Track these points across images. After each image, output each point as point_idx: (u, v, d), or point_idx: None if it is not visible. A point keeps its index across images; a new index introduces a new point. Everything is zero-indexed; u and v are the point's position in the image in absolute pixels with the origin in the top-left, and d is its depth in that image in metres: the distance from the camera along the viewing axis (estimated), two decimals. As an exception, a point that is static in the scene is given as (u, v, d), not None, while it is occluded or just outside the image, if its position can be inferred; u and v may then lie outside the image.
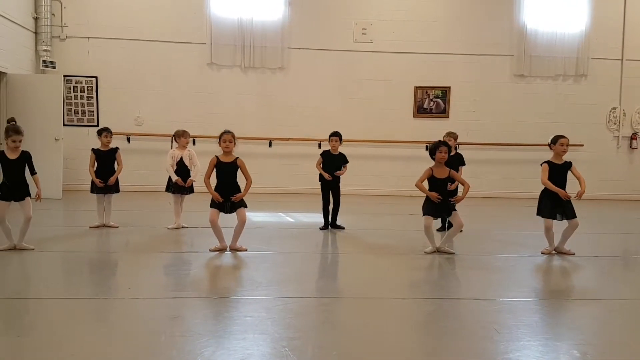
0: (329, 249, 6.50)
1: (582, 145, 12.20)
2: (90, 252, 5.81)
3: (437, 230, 6.84)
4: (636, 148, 12.73)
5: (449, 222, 7.01)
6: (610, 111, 12.65)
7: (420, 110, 12.34)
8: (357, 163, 11.22)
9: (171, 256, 5.55)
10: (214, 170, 5.60)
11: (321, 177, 7.30)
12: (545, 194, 5.83)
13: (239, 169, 5.64)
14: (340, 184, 7.39)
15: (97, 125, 11.18)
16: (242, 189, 5.66)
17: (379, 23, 12.17)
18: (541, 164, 5.88)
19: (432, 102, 12.35)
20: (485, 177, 11.91)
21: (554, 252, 5.93)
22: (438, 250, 5.84)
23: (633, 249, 6.85)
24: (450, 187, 6.01)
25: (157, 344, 3.06)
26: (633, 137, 12.70)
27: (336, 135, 7.32)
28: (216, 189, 5.57)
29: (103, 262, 5.40)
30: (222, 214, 5.58)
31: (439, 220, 6.70)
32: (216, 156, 5.64)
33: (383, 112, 12.14)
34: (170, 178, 7.01)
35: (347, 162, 7.36)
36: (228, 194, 5.54)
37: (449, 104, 12.35)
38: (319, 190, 7.42)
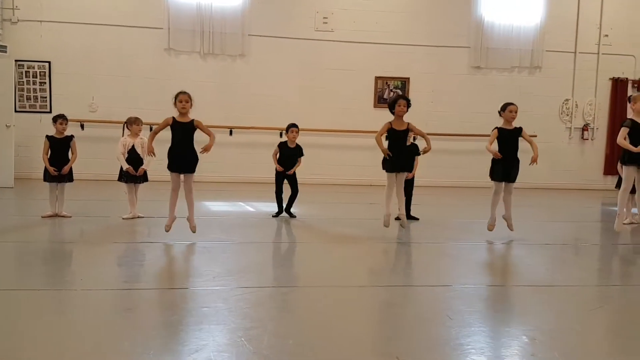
0: (288, 238, 6.50)
1: (536, 136, 12.48)
2: (42, 242, 5.65)
3: (396, 219, 6.93)
4: (587, 139, 13.18)
5: (412, 216, 7.17)
6: (563, 103, 13.04)
7: (380, 101, 12.44)
8: (317, 152, 11.27)
9: (125, 247, 5.44)
10: (169, 131, 5.43)
11: (277, 170, 7.29)
12: (497, 160, 6.04)
13: (197, 129, 5.49)
14: (298, 175, 7.40)
15: (50, 112, 10.84)
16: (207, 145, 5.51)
17: (340, 12, 12.17)
18: (492, 130, 6.09)
19: (392, 92, 12.46)
20: (443, 167, 12.13)
21: (494, 224, 6.17)
22: (397, 219, 6.15)
23: (583, 237, 7.11)
24: (408, 176, 6.13)
25: (110, 336, 3.01)
26: (584, 129, 13.14)
27: (295, 126, 7.32)
28: (171, 150, 5.45)
29: (55, 252, 5.26)
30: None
31: (396, 210, 6.77)
32: (173, 117, 5.49)
33: (344, 102, 12.18)
34: (122, 167, 6.87)
35: (302, 155, 7.37)
36: (184, 155, 5.42)
37: (409, 94, 12.47)
38: (274, 187, 7.40)
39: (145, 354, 2.76)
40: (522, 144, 6.10)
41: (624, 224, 6.73)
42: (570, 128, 13.12)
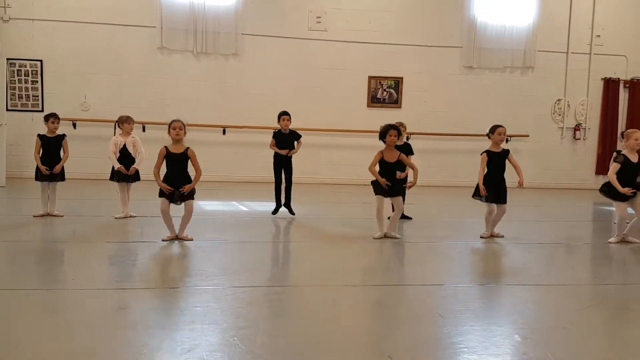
0: (282, 237, 6.50)
1: (528, 136, 12.61)
2: (34, 242, 5.61)
3: (389, 218, 6.94)
4: (579, 139, 13.25)
5: (405, 215, 7.17)
6: (555, 103, 13.11)
7: (373, 100, 12.46)
8: (311, 151, 11.26)
9: (118, 246, 5.42)
10: (164, 161, 5.47)
11: (275, 157, 7.30)
12: (485, 181, 6.08)
13: (190, 160, 5.52)
14: (294, 170, 7.41)
15: (42, 111, 10.78)
16: (193, 179, 5.55)
17: (334, 11, 12.17)
18: (481, 154, 6.13)
19: (385, 92, 12.48)
20: (436, 167, 12.17)
21: (489, 236, 6.23)
22: (385, 236, 5.99)
23: (575, 236, 7.14)
24: (400, 175, 6.13)
25: (102, 336, 3.00)
26: (577, 128, 13.21)
27: (286, 114, 7.35)
28: (165, 179, 5.44)
29: (47, 252, 5.23)
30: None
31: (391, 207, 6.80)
32: (165, 147, 5.48)
33: (337, 101, 12.18)
34: (113, 166, 6.84)
35: (299, 137, 7.40)
36: (178, 184, 5.42)
37: (402, 94, 12.51)
38: (274, 179, 7.40)
39: (138, 353, 2.75)
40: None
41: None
42: (563, 128, 13.19)
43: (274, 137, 7.39)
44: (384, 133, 5.95)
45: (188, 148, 5.51)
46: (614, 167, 6.09)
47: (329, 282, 4.34)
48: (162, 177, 5.44)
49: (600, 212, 9.35)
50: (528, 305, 3.86)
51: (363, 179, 11.52)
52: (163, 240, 5.47)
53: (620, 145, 6.37)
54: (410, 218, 7.32)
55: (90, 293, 3.80)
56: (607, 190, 6.17)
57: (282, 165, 7.33)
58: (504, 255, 5.66)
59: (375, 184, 6.00)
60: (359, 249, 5.66)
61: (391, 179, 5.92)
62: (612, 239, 6.19)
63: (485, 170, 6.10)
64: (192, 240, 5.53)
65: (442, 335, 3.18)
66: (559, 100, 13.11)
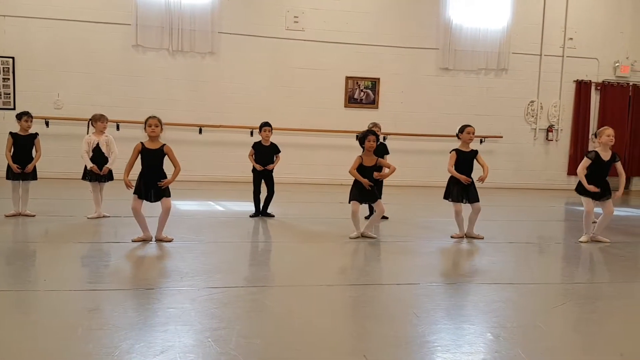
0: (258, 237, 6.48)
1: (502, 137, 12.80)
2: (5, 242, 5.49)
3: (366, 217, 6.98)
4: (552, 140, 13.49)
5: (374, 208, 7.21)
6: (529, 104, 13.33)
7: (351, 101, 12.50)
8: (288, 151, 11.20)
9: (90, 247, 5.33)
10: (139, 157, 5.40)
11: (254, 168, 7.27)
12: (452, 180, 6.23)
13: (166, 156, 5.45)
14: (274, 174, 7.39)
15: (14, 109, 10.57)
16: (171, 175, 5.47)
17: (311, 12, 12.18)
18: (450, 152, 6.20)
19: (362, 92, 12.53)
20: (412, 167, 12.27)
21: (464, 236, 6.32)
22: (362, 235, 6.04)
23: (546, 236, 7.27)
24: (376, 175, 6.18)
25: (73, 337, 2.95)
26: (549, 130, 13.45)
27: (268, 125, 7.31)
28: (141, 176, 5.38)
29: (18, 252, 5.12)
30: (145, 202, 5.42)
31: (367, 208, 6.85)
32: (141, 142, 5.43)
33: (315, 101, 12.20)
34: (86, 165, 6.74)
35: (279, 152, 7.36)
36: (153, 181, 5.36)
37: (379, 95, 12.59)
38: (251, 179, 7.38)
39: (110, 355, 2.71)
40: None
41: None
42: (535, 129, 13.41)
43: (253, 147, 7.35)
44: (362, 139, 6.03)
45: (164, 144, 5.45)
46: (583, 162, 6.21)
47: (305, 282, 4.34)
48: (137, 175, 5.37)
49: (571, 212, 9.53)
50: (500, 304, 3.92)
51: (340, 179, 11.57)
52: (133, 241, 5.40)
53: (592, 146, 6.50)
54: (386, 217, 7.37)
55: (62, 294, 3.74)
56: (577, 185, 6.31)
57: (263, 177, 7.30)
58: (478, 255, 5.73)
59: (352, 190, 6.05)
60: (335, 249, 5.67)
61: (371, 185, 6.00)
62: (582, 238, 6.32)
63: (453, 166, 6.19)
64: (171, 240, 5.47)
65: (416, 334, 3.21)
66: (532, 102, 13.34)
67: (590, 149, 6.80)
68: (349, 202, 6.07)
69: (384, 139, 7.43)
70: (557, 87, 13.39)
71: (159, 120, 5.45)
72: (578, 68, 13.37)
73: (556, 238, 7.08)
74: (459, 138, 6.31)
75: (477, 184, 6.21)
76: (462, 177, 6.11)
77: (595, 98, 13.61)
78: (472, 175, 6.25)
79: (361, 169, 5.99)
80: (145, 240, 5.44)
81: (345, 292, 4.18)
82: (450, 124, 12.43)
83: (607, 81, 13.60)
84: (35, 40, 11.12)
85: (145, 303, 3.63)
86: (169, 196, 5.49)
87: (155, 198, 5.40)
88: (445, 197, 6.31)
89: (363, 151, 6.05)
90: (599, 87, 13.58)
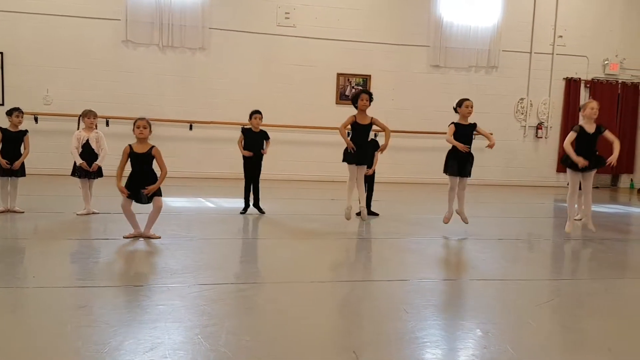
0: (250, 234, 6.48)
1: (492, 134, 12.81)
2: (-8, 239, 5.45)
3: (357, 214, 7.00)
4: (541, 137, 13.58)
5: (372, 212, 7.25)
6: (518, 102, 13.41)
7: (342, 97, 12.51)
8: (279, 148, 11.25)
9: (80, 243, 5.31)
10: (128, 159, 5.36)
11: (245, 157, 7.27)
12: (451, 154, 6.22)
13: (154, 159, 5.42)
14: (263, 165, 7.38)
15: (3, 104, 10.49)
16: (158, 179, 5.45)
17: (302, 8, 12.17)
18: (448, 125, 6.22)
19: (353, 89, 12.54)
20: (402, 164, 12.31)
21: (450, 217, 6.39)
22: (357, 215, 6.30)
23: (536, 232, 7.32)
24: (378, 152, 6.24)
25: (62, 334, 2.93)
26: (539, 127, 13.54)
27: (259, 112, 7.32)
28: (130, 179, 5.35)
29: (7, 249, 5.08)
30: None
31: (357, 206, 6.86)
32: (129, 145, 5.37)
33: (306, 98, 12.19)
34: (75, 161, 6.70)
35: (268, 138, 7.37)
36: (143, 184, 5.32)
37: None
38: (241, 175, 7.37)
39: (99, 352, 2.70)
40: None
41: (575, 219, 6.96)
42: (525, 126, 13.50)
43: (242, 133, 7.34)
44: (355, 98, 6.09)
45: (153, 147, 5.40)
46: (569, 135, 6.28)
47: (295, 279, 4.35)
48: (127, 176, 5.34)
49: (560, 209, 9.59)
50: (490, 300, 3.94)
51: (331, 175, 11.59)
52: (125, 238, 5.38)
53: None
54: (377, 214, 7.39)
55: (51, 291, 3.72)
56: (564, 158, 6.35)
57: (252, 163, 7.28)
58: (467, 251, 5.76)
59: (345, 151, 6.12)
60: (325, 246, 5.68)
61: (363, 142, 6.04)
62: (567, 227, 6.37)
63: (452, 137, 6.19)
64: (159, 238, 5.45)
65: (406, 330, 3.22)
66: (522, 99, 13.41)
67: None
68: (347, 165, 6.20)
69: (375, 135, 7.44)
70: (546, 85, 13.48)
71: (148, 122, 5.39)
72: (568, 66, 13.47)
73: (545, 235, 7.13)
74: (456, 112, 6.30)
75: (490, 156, 6.20)
76: (460, 145, 6.07)
77: (584, 95, 13.71)
78: (473, 151, 6.25)
79: (355, 127, 6.06)
80: (136, 237, 5.42)
81: (335, 288, 4.19)
82: (441, 121, 12.48)
83: (596, 79, 13.70)
84: (25, 35, 11.03)
85: (135, 300, 3.62)
86: (161, 195, 5.46)
87: (147, 200, 5.38)
88: (445, 171, 6.29)
89: (357, 112, 6.12)
90: (588, 85, 13.68)
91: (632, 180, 14.15)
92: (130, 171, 5.40)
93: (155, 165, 5.45)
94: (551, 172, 13.59)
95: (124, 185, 5.33)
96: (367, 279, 4.50)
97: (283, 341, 3.01)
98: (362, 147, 6.12)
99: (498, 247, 5.97)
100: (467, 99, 6.24)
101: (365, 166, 6.40)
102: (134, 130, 5.37)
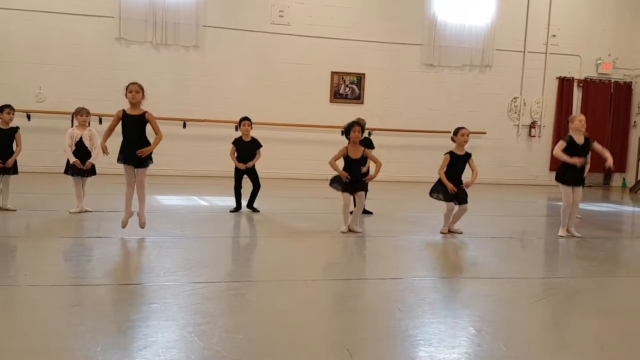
0: (244, 232, 6.47)
1: (485, 133, 12.90)
2: (-16, 237, 5.42)
3: (350, 212, 7.01)
4: (534, 136, 13.64)
5: (366, 210, 7.24)
6: (512, 101, 13.45)
7: (336, 96, 12.51)
8: (273, 146, 11.20)
9: (73, 241, 5.28)
10: (120, 123, 5.24)
11: (236, 166, 7.22)
12: (441, 182, 6.19)
13: (148, 124, 5.30)
14: (257, 168, 7.35)
15: (-7, 101, 10.40)
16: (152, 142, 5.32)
17: (297, 6, 12.15)
18: (444, 154, 6.21)
19: (347, 87, 12.55)
20: (396, 162, 12.31)
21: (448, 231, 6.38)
22: (349, 230, 6.07)
23: (528, 231, 7.35)
24: (362, 169, 6.20)
25: (55, 333, 2.92)
26: (532, 126, 13.59)
27: (247, 119, 7.26)
28: (123, 144, 5.26)
29: (-2, 248, 5.06)
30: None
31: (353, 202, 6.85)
32: (123, 109, 5.30)
33: (300, 96, 12.18)
34: (68, 159, 6.67)
35: (260, 147, 7.30)
36: (135, 149, 5.21)
37: (364, 90, 12.61)
38: (233, 183, 7.31)
39: (92, 350, 2.69)
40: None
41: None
42: (519, 125, 13.55)
43: (234, 144, 7.26)
44: (348, 130, 6.05)
45: (146, 112, 5.30)
46: (559, 144, 6.34)
47: (289, 277, 4.34)
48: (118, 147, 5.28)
49: (553, 208, 9.64)
50: (483, 298, 3.96)
51: (325, 174, 11.55)
52: (123, 227, 5.36)
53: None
54: (371, 213, 7.39)
55: (44, 289, 3.70)
56: (557, 172, 6.40)
57: (245, 172, 7.24)
58: (461, 250, 5.78)
59: (335, 178, 6.06)
60: (319, 244, 5.68)
61: (355, 174, 6.01)
62: (560, 232, 6.41)
63: (445, 169, 6.20)
64: (142, 227, 5.41)
65: (400, 328, 3.23)
66: (515, 98, 13.46)
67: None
68: (330, 185, 6.13)
69: (369, 134, 7.45)
70: (540, 84, 13.53)
71: (140, 86, 5.30)
72: (561, 65, 13.52)
73: (538, 233, 7.16)
74: (453, 141, 6.31)
75: (483, 155, 6.22)
76: (450, 186, 6.08)
77: (577, 95, 13.78)
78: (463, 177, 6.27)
79: (347, 160, 6.02)
80: (128, 218, 5.39)
81: (329, 287, 4.19)
82: (435, 119, 12.55)
83: (589, 78, 13.77)
84: (16, 32, 10.95)
85: (128, 298, 3.60)
86: (146, 166, 5.34)
87: (139, 164, 5.29)
88: (431, 194, 6.30)
89: (349, 143, 6.06)
90: (581, 84, 13.74)
91: (624, 179, 14.24)
92: (122, 139, 5.28)
93: (149, 134, 5.36)
94: (544, 170, 13.64)
95: (118, 154, 5.26)
96: (361, 277, 4.50)
97: (276, 339, 3.01)
98: (355, 178, 6.04)
99: (491, 245, 6.00)
100: (463, 128, 6.24)
101: (363, 192, 6.31)
102: (126, 95, 5.27)
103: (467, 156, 6.25)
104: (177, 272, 4.23)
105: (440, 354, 2.86)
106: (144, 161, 5.30)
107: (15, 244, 5.24)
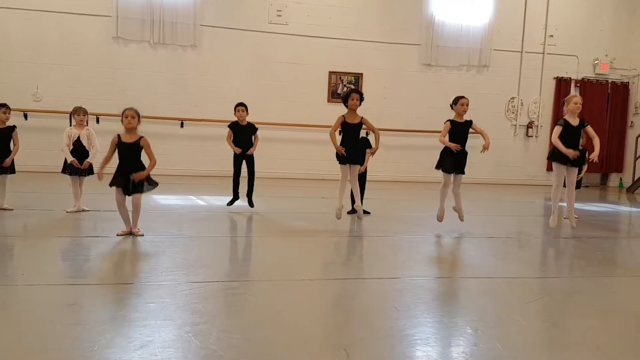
0: (241, 232, 6.47)
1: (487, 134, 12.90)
2: (-20, 236, 5.40)
3: (348, 213, 7.02)
4: (532, 136, 13.66)
5: (364, 210, 7.26)
6: (509, 101, 13.47)
7: (334, 96, 12.52)
8: (270, 146, 11.22)
9: (70, 241, 5.28)
10: (116, 150, 5.32)
11: (234, 152, 7.25)
12: (446, 151, 6.22)
13: (143, 149, 5.35)
14: (255, 157, 7.35)
15: (-10, 100, 10.38)
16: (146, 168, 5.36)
17: (294, 5, 12.15)
18: (444, 122, 6.23)
19: (345, 87, 12.55)
20: (395, 162, 12.33)
21: (443, 216, 6.40)
22: (352, 211, 6.31)
23: (526, 231, 7.36)
24: (369, 153, 6.27)
25: (52, 332, 2.92)
26: (529, 126, 13.62)
27: (242, 105, 7.29)
28: (118, 170, 5.31)
29: (-6, 247, 5.05)
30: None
31: (350, 203, 6.85)
32: (118, 135, 5.34)
33: (298, 96, 12.19)
34: (66, 159, 6.66)
35: (256, 130, 7.34)
36: (131, 174, 5.28)
37: (362, 90, 12.59)
38: (232, 174, 7.34)
39: (89, 350, 2.69)
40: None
41: (564, 218, 7.02)
42: (516, 125, 13.57)
43: (230, 128, 7.30)
44: (346, 97, 6.13)
45: (142, 137, 5.35)
46: (556, 130, 6.37)
47: (286, 277, 4.34)
48: (115, 168, 5.30)
49: (550, 208, 9.64)
50: (479, 297, 3.96)
51: (323, 174, 11.59)
52: (118, 235, 5.35)
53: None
54: (368, 213, 7.40)
55: (41, 289, 3.70)
56: (552, 153, 6.42)
57: (243, 157, 7.26)
58: (457, 249, 5.79)
59: (337, 155, 6.18)
60: (317, 243, 5.69)
61: (354, 142, 6.06)
62: (551, 221, 6.42)
63: (445, 135, 6.20)
64: (142, 235, 5.40)
65: (396, 328, 3.23)
66: (512, 98, 13.48)
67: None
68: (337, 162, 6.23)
69: (367, 134, 7.46)
70: (537, 84, 13.56)
71: (136, 112, 5.34)
72: (558, 65, 13.55)
73: (535, 233, 7.17)
74: (452, 109, 6.32)
75: (480, 155, 6.23)
76: (452, 145, 6.10)
77: (574, 95, 13.79)
78: (468, 148, 6.29)
79: (345, 126, 6.06)
80: (128, 234, 5.39)
81: (326, 286, 4.19)
82: (432, 119, 12.53)
83: (586, 78, 13.80)
84: (13, 31, 10.93)
85: (125, 298, 3.60)
86: (142, 192, 5.37)
87: (134, 190, 5.32)
88: (437, 167, 6.31)
89: (347, 111, 6.13)
90: (578, 84, 13.77)
91: (621, 179, 14.27)
92: (117, 163, 5.33)
93: (144, 158, 5.38)
94: (541, 170, 13.67)
95: (112, 177, 5.27)
96: (358, 277, 4.51)
97: (274, 339, 3.01)
98: (353, 146, 6.13)
99: (488, 245, 6.00)
100: (463, 97, 6.27)
101: (358, 165, 6.40)
102: (122, 120, 5.31)
103: (468, 123, 6.25)
104: (175, 272, 4.23)
105: (437, 354, 2.86)
106: (140, 186, 5.31)
107: (12, 244, 5.23)
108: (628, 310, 3.88)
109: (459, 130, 6.20)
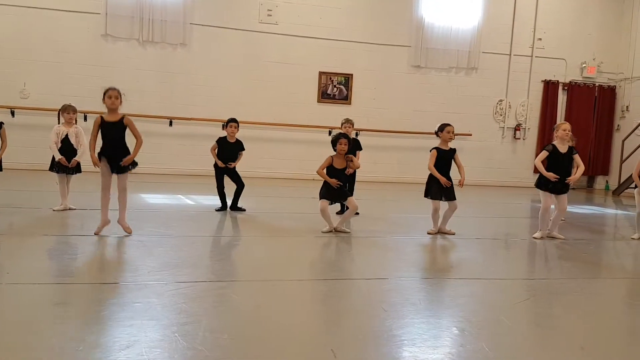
0: (229, 231, 6.45)
1: (471, 135, 13.00)
2: (-35, 235, 5.33)
3: (337, 213, 7.03)
4: (519, 138, 13.76)
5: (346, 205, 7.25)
6: (497, 103, 13.56)
7: (324, 96, 12.52)
8: (260, 146, 11.22)
9: (56, 239, 5.23)
10: (99, 131, 5.21)
11: (215, 164, 7.20)
12: (433, 178, 6.26)
13: (127, 129, 5.25)
14: (239, 168, 7.32)
15: (-24, 97, 10.27)
16: (133, 149, 5.30)
17: (285, 5, 12.14)
18: (430, 150, 6.25)
19: (335, 88, 12.57)
20: (383, 163, 12.37)
21: (437, 232, 6.41)
22: (335, 230, 6.10)
23: (512, 232, 7.42)
24: (347, 172, 6.23)
25: (37, 332, 2.89)
26: (517, 128, 13.72)
27: (234, 121, 7.24)
28: (102, 151, 5.22)
29: (-21, 245, 4.99)
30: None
31: (338, 204, 6.86)
32: (101, 116, 5.25)
33: (288, 96, 12.18)
34: (54, 156, 6.60)
35: (243, 149, 7.28)
36: (116, 156, 5.20)
37: (351, 90, 12.64)
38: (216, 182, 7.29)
39: (75, 349, 2.67)
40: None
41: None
42: (504, 128, 13.66)
43: (217, 142, 7.24)
44: (334, 141, 6.08)
45: (124, 116, 5.27)
46: (541, 154, 6.42)
47: (274, 277, 4.34)
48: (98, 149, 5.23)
49: (537, 209, 9.72)
50: (466, 298, 3.98)
51: (312, 174, 11.57)
52: (95, 234, 5.28)
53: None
54: (357, 213, 7.40)
55: (26, 287, 3.66)
56: (537, 181, 6.47)
57: (225, 172, 7.22)
58: (445, 250, 5.82)
59: (322, 188, 6.10)
60: (304, 244, 5.69)
61: (339, 184, 6.05)
62: (536, 234, 6.47)
63: (434, 163, 6.24)
64: (130, 232, 5.36)
65: (384, 328, 3.24)
66: (500, 100, 13.57)
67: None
68: (319, 200, 6.10)
69: (357, 134, 7.47)
70: (525, 87, 13.66)
71: (119, 92, 5.26)
72: (546, 68, 13.67)
73: (522, 234, 7.22)
74: (438, 136, 6.36)
75: (456, 188, 6.29)
76: (443, 180, 6.16)
77: (562, 98, 13.93)
78: (450, 174, 6.31)
79: (330, 170, 6.05)
80: (103, 226, 5.32)
81: (314, 286, 4.19)
82: (421, 121, 12.61)
83: (574, 81, 13.93)
84: (1, 27, 10.82)
85: (112, 297, 3.58)
86: (130, 170, 5.29)
87: (119, 170, 5.26)
88: (426, 195, 6.35)
89: (335, 153, 6.10)
90: (566, 87, 13.90)
91: (607, 181, 14.41)
92: (101, 145, 5.25)
93: (129, 141, 5.30)
94: (529, 173, 13.77)
95: (98, 154, 5.21)
96: (346, 277, 4.51)
97: (261, 339, 3.00)
98: (339, 188, 6.07)
99: (476, 246, 6.04)
100: (449, 124, 6.30)
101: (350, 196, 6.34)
102: (104, 100, 5.23)
103: (452, 152, 6.31)
104: (162, 271, 4.20)
105: (423, 354, 2.88)
106: (126, 166, 5.26)
107: (-3, 242, 5.17)
108: (612, 311, 3.93)
109: (445, 158, 6.27)
